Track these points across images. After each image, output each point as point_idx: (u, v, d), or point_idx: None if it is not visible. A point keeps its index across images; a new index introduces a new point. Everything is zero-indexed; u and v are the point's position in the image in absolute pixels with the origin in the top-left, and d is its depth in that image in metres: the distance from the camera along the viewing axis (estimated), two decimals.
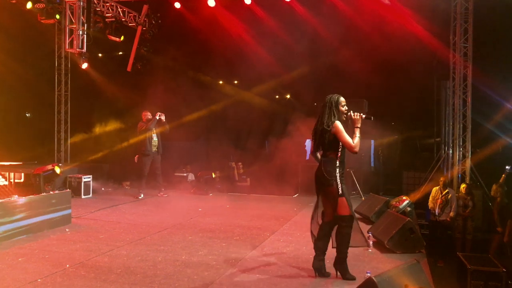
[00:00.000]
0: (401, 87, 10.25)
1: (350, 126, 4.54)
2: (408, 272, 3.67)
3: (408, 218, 5.92)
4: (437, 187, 8.86)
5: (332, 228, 4.62)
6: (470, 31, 9.96)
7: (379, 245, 5.82)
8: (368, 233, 5.94)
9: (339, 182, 4.45)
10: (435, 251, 8.07)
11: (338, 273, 4.64)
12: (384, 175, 11.27)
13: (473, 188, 9.34)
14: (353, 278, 4.55)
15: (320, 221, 4.68)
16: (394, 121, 10.90)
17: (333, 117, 4.48)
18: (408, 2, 9.99)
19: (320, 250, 4.65)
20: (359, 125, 4.49)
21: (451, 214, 8.59)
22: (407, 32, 9.80)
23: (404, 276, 3.52)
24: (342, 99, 4.58)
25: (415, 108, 11.29)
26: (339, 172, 4.47)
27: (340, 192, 4.44)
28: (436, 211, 8.66)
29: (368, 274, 4.12)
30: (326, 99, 4.58)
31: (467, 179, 9.91)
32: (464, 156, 10.05)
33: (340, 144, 4.47)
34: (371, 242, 5.77)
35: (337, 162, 4.49)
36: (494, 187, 8.99)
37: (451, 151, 10.38)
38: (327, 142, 4.50)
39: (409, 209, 7.28)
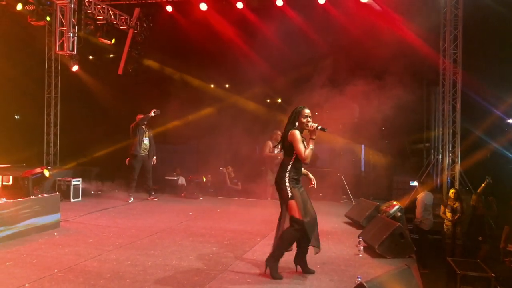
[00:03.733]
0: (391, 92, 10.31)
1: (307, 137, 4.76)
2: (399, 277, 3.68)
3: (399, 223, 5.94)
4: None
5: (305, 228, 4.70)
6: (459, 37, 10.09)
7: (370, 250, 5.84)
8: (358, 238, 5.96)
9: (287, 186, 4.65)
10: (424, 256, 8.12)
11: (267, 270, 4.76)
12: (374, 180, 11.31)
13: (462, 193, 9.42)
14: (280, 278, 4.69)
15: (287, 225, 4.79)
16: (384, 125, 10.97)
17: (292, 125, 4.74)
18: (399, 9, 10.09)
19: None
20: (314, 137, 4.69)
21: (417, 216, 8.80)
22: (397, 38, 9.88)
23: (395, 281, 3.53)
24: (306, 110, 4.80)
25: (405, 114, 11.37)
26: (289, 176, 4.68)
27: (290, 195, 4.63)
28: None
29: (359, 279, 4.12)
30: (293, 110, 4.84)
31: (456, 184, 9.99)
32: (453, 162, 10.14)
33: (295, 152, 4.68)
34: (361, 247, 5.79)
35: (289, 166, 4.71)
36: (473, 197, 9.06)
37: (440, 156, 10.47)
38: (284, 148, 4.79)
39: (399, 214, 7.31)
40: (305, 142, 4.71)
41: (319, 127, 4.70)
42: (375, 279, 3.60)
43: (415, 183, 9.37)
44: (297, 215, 4.62)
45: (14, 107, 12.90)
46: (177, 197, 10.63)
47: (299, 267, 4.92)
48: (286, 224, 4.74)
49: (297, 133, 4.66)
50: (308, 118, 4.76)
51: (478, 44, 10.70)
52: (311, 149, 4.65)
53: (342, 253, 5.85)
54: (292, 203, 4.63)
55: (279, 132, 9.76)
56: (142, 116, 9.55)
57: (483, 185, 8.83)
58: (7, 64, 11.10)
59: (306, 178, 5.06)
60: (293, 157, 4.70)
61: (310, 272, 4.87)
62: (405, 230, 6.02)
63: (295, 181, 4.71)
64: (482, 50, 10.91)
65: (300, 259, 4.90)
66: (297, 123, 4.75)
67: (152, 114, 9.48)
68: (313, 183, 5.08)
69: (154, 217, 8.08)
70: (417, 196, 9.00)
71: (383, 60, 9.94)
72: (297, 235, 4.69)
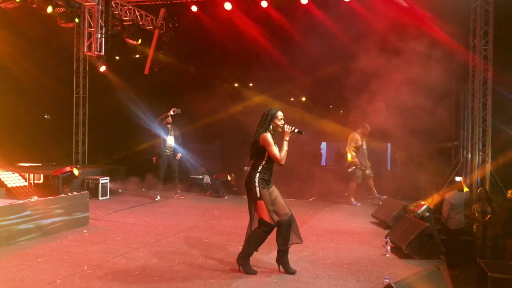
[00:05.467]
0: (418, 90, 10.10)
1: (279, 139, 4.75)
2: (428, 279, 3.60)
3: (427, 224, 5.83)
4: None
5: (282, 228, 4.76)
6: (490, 33, 9.82)
7: (397, 251, 5.75)
8: (386, 238, 5.88)
9: (257, 186, 4.67)
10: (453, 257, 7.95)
11: (241, 268, 4.80)
12: (401, 179, 11.13)
13: (494, 193, 9.17)
14: (255, 272, 4.76)
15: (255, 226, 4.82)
16: (411, 124, 10.76)
17: (264, 129, 4.73)
18: (426, 4, 9.88)
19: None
20: (287, 138, 4.72)
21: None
22: (425, 34, 9.68)
23: (424, 283, 3.46)
24: (280, 113, 4.83)
25: (432, 111, 11.14)
26: (259, 176, 4.70)
27: (258, 195, 4.66)
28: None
29: (387, 280, 4.07)
30: (265, 111, 4.85)
31: (487, 184, 9.73)
32: (483, 161, 9.88)
33: (266, 154, 4.70)
34: (389, 248, 5.71)
35: (260, 167, 4.73)
36: (510, 191, 8.80)
37: (470, 155, 10.21)
38: (255, 151, 4.78)
39: (427, 214, 7.17)
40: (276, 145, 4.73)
41: (296, 130, 4.77)
42: (403, 280, 3.54)
43: (460, 179, 9.14)
44: (265, 217, 4.66)
45: (44, 107, 13.24)
46: (202, 196, 10.72)
47: (281, 267, 4.89)
48: (255, 224, 4.79)
49: (269, 136, 4.68)
50: (282, 121, 4.81)
51: (510, 39, 10.38)
52: (286, 150, 4.68)
53: (369, 254, 5.78)
54: (261, 203, 4.67)
55: (367, 126, 9.64)
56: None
57: None
58: (38, 66, 11.40)
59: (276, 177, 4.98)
60: (265, 159, 4.72)
61: (292, 272, 4.81)
62: (433, 231, 5.89)
63: (265, 181, 4.72)
64: None
65: (281, 259, 4.87)
66: (270, 126, 4.75)
67: (171, 113, 9.58)
68: None
69: (180, 215, 8.16)
70: (445, 195, 8.83)
71: (410, 57, 9.76)
72: (265, 236, 4.74)
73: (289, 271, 4.83)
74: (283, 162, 4.68)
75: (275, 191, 4.83)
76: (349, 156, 9.59)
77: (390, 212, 7.50)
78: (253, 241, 4.79)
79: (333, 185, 10.25)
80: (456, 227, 8.60)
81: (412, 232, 5.73)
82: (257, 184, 4.69)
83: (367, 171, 9.65)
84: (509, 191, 8.72)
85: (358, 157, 9.55)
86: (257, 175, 4.71)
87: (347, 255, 5.47)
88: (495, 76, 9.84)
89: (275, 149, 4.66)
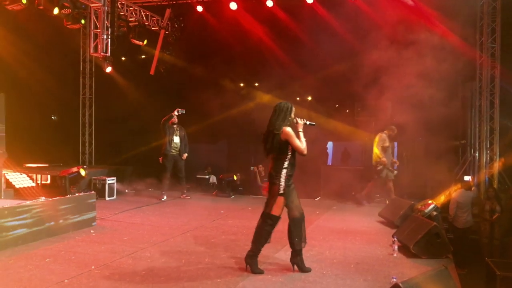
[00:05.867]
0: (425, 88, 10.05)
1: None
2: (436, 278, 3.58)
3: (434, 223, 5.80)
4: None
5: (296, 226, 4.81)
6: (498, 31, 9.74)
7: (405, 250, 5.72)
8: (393, 237, 5.86)
9: (282, 182, 4.70)
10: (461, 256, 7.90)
11: (248, 267, 4.85)
12: (408, 178, 11.06)
13: (501, 192, 9.10)
14: (261, 272, 4.79)
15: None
16: (419, 122, 10.70)
17: (284, 122, 4.78)
18: (433, 2, 9.82)
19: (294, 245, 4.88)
20: (300, 130, 4.82)
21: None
22: (431, 33, 9.63)
23: (432, 282, 3.44)
24: (294, 108, 4.92)
25: (439, 110, 11.07)
26: (286, 173, 4.73)
27: (281, 191, 4.71)
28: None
29: (394, 280, 4.04)
30: (280, 105, 4.88)
31: (495, 182, 9.65)
32: (491, 159, 9.80)
33: (290, 147, 4.73)
34: (396, 247, 5.68)
35: (286, 162, 4.75)
36: None
37: (477, 154, 10.14)
38: (276, 145, 4.76)
39: (435, 213, 7.12)
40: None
41: (308, 123, 4.93)
42: (411, 279, 3.52)
43: (469, 178, 9.10)
44: (277, 212, 4.75)
45: (51, 108, 13.30)
46: (208, 196, 10.73)
47: (295, 266, 4.90)
48: (261, 219, 4.86)
49: (290, 129, 4.74)
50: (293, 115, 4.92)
51: None
52: (304, 140, 4.78)
53: (376, 253, 5.75)
54: (280, 199, 4.73)
55: (394, 127, 9.60)
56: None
57: None
58: (44, 67, 11.45)
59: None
60: (289, 153, 4.74)
61: (306, 270, 4.85)
62: (441, 230, 5.87)
63: (289, 178, 4.76)
64: None
65: (296, 258, 4.88)
66: (289, 119, 4.82)
67: (176, 113, 9.60)
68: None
69: (186, 215, 8.18)
70: (452, 195, 8.77)
71: (416, 56, 9.70)
72: (270, 229, 4.79)
73: (304, 269, 4.86)
74: (306, 152, 4.73)
75: (293, 189, 4.87)
76: (376, 154, 9.52)
77: (397, 211, 7.47)
78: (260, 237, 4.82)
79: (340, 184, 10.21)
80: (464, 226, 8.54)
81: (420, 231, 5.70)
82: (283, 180, 4.71)
83: (394, 173, 9.60)
84: None
85: (386, 158, 9.51)
86: (284, 171, 4.73)
87: (354, 255, 5.45)
88: (502, 74, 9.75)
89: (297, 142, 4.70)
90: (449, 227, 8.78)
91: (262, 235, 4.81)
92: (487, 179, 9.77)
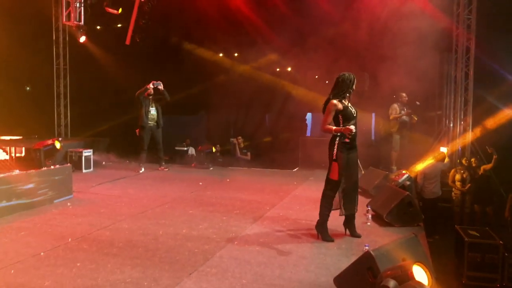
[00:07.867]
0: (402, 59, 10.12)
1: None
2: (406, 246, 3.70)
3: (407, 192, 5.96)
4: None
5: (347, 193, 5.02)
6: (474, 2, 9.78)
7: (378, 219, 5.88)
8: (367, 206, 6.00)
9: (336, 148, 4.89)
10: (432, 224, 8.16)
11: (319, 236, 5.04)
12: (384, 149, 11.25)
13: (474, 162, 9.34)
14: (332, 240, 4.97)
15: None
16: (395, 93, 10.82)
17: (337, 94, 4.92)
18: None
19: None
20: (335, 133, 4.91)
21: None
22: (409, 4, 9.61)
23: (402, 249, 3.55)
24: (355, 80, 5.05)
25: (416, 81, 11.19)
26: (340, 140, 4.89)
27: (334, 157, 4.90)
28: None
29: (367, 248, 4.16)
30: (344, 76, 4.98)
31: (467, 153, 9.90)
32: (465, 130, 10.02)
33: (340, 116, 4.90)
34: (370, 216, 5.83)
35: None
36: (483, 167, 9.01)
37: (451, 125, 10.35)
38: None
39: (408, 183, 7.31)
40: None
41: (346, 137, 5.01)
42: (382, 247, 3.63)
43: (445, 149, 9.30)
44: (334, 177, 4.92)
45: (24, 79, 12.94)
46: (187, 167, 10.74)
47: (347, 231, 5.19)
48: (324, 186, 5.04)
49: (333, 104, 4.88)
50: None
51: (493, 9, 10.36)
52: (329, 131, 4.95)
53: None
54: (335, 164, 4.91)
55: (404, 95, 9.73)
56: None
57: (492, 163, 8.75)
58: (16, 37, 11.06)
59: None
60: (340, 124, 4.90)
61: (357, 235, 5.11)
62: (413, 199, 6.03)
63: (345, 145, 4.88)
64: (497, 16, 10.57)
65: (349, 223, 5.17)
66: (347, 93, 4.98)
67: (151, 86, 9.46)
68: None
69: (164, 187, 8.19)
70: (421, 166, 8.91)
71: (395, 27, 9.71)
72: (332, 194, 4.98)
73: (354, 234, 5.13)
74: (322, 131, 4.99)
75: (353, 159, 5.00)
76: (391, 125, 9.85)
77: (372, 181, 7.63)
78: (324, 204, 5.02)
79: (318, 155, 10.33)
80: (430, 196, 8.71)
81: (393, 200, 5.85)
82: (336, 147, 4.89)
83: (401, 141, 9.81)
84: (482, 167, 8.91)
85: (399, 126, 9.75)
86: (338, 138, 4.90)
87: (330, 224, 5.55)
88: (477, 46, 9.86)
89: (326, 118, 4.88)
90: (417, 197, 9.00)
91: (324, 201, 5.01)
92: (460, 149, 10.00)
